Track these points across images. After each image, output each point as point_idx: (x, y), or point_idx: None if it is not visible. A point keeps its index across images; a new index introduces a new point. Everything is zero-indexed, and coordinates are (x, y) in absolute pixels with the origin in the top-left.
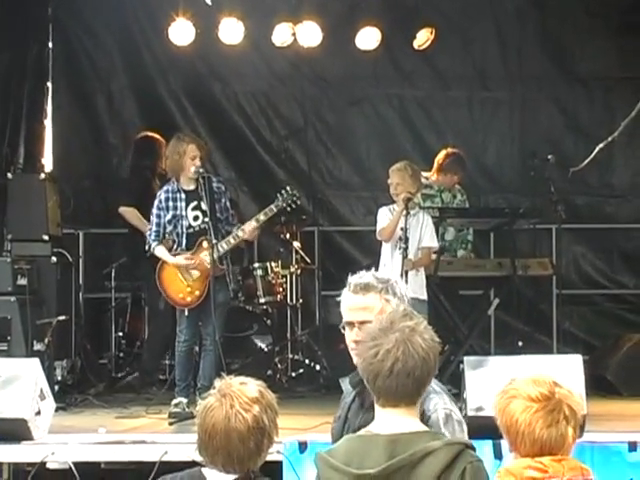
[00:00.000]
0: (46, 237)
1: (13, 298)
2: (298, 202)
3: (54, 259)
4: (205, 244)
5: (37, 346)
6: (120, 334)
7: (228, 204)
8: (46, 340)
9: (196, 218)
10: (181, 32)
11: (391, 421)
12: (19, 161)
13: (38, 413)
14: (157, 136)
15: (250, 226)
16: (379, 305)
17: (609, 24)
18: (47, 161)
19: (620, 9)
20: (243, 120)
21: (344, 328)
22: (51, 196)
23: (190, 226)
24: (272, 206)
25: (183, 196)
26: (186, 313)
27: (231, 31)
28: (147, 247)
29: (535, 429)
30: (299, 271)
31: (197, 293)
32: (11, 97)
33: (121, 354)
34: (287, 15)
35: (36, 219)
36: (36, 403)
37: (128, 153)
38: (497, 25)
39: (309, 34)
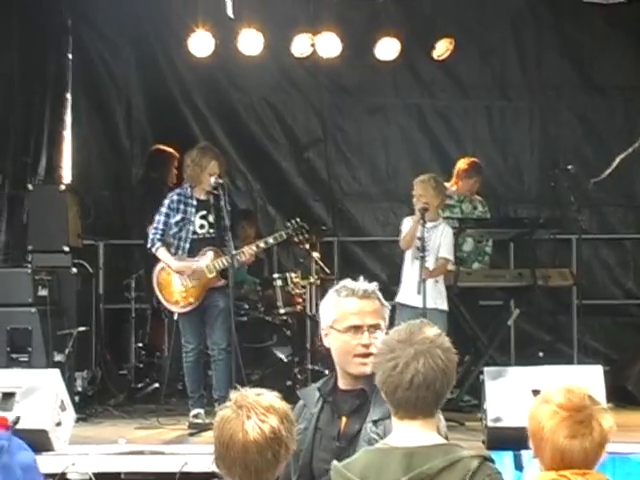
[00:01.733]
0: (66, 248)
1: (34, 309)
2: (307, 235)
3: (74, 270)
4: (210, 254)
5: (57, 357)
6: (140, 345)
7: (228, 223)
8: (66, 351)
9: (202, 227)
10: (200, 43)
11: (408, 434)
12: (40, 172)
13: (59, 424)
14: (168, 149)
15: (252, 249)
16: (381, 309)
17: (628, 33)
18: (66, 172)
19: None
20: (262, 130)
21: (337, 332)
22: (71, 207)
23: (195, 232)
24: (282, 232)
25: (194, 202)
26: (175, 317)
27: (250, 42)
28: (150, 245)
29: (558, 438)
30: (318, 282)
31: (191, 300)
32: (34, 108)
33: (141, 365)
34: (306, 26)
35: (56, 230)
36: (56, 414)
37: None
38: (516, 34)
39: (328, 45)
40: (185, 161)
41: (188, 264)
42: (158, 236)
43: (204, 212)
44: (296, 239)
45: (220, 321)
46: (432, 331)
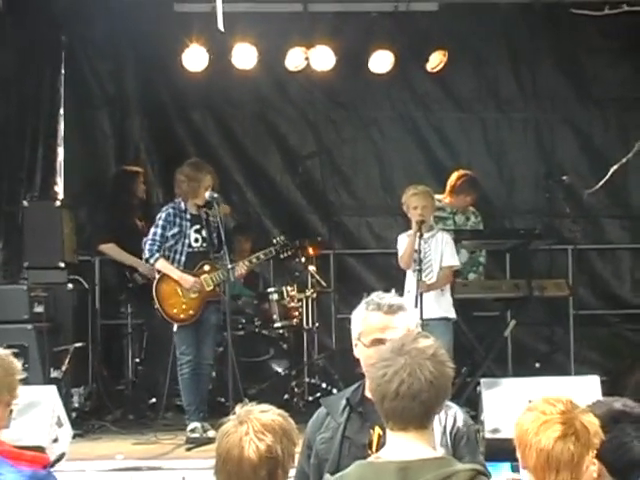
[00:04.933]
0: (62, 264)
1: (30, 326)
2: (290, 252)
3: (70, 286)
4: (207, 267)
5: (54, 373)
6: (137, 360)
7: (222, 238)
8: (63, 367)
9: (197, 240)
10: (195, 58)
11: (401, 447)
12: (35, 188)
13: (55, 440)
14: (133, 168)
15: (242, 268)
16: (409, 324)
17: (622, 44)
18: (60, 188)
19: (634, 29)
20: (256, 144)
21: (362, 345)
22: (67, 223)
23: (190, 246)
24: (272, 249)
25: (188, 216)
26: (175, 329)
27: (244, 56)
28: (148, 256)
29: (542, 439)
30: (315, 295)
31: (191, 312)
32: (28, 124)
33: (137, 380)
34: (300, 40)
35: (52, 246)
36: (53, 430)
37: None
38: (510, 46)
39: (322, 58)
40: (178, 178)
41: (190, 276)
42: (156, 247)
43: (198, 226)
44: (281, 256)
45: (210, 337)
46: (425, 342)
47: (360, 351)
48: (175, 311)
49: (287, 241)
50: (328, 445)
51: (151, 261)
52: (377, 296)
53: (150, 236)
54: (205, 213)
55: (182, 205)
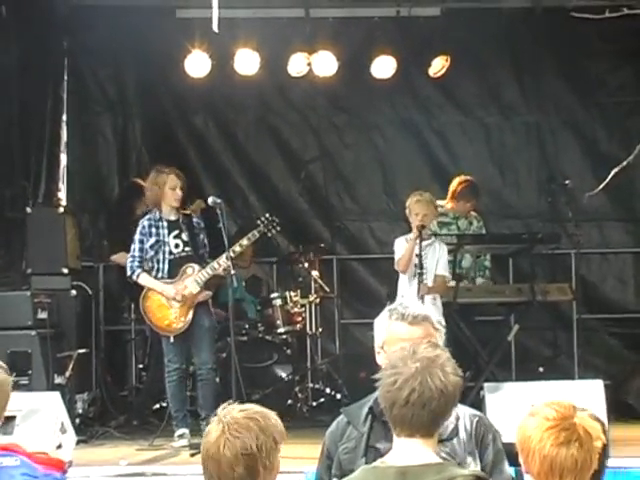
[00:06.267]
0: (65, 270)
1: (33, 332)
2: (278, 228)
3: (74, 292)
4: (190, 271)
5: (58, 379)
6: (140, 366)
7: (205, 241)
8: (67, 373)
9: (177, 246)
10: (197, 64)
11: (405, 452)
12: (38, 195)
13: (59, 447)
14: (139, 181)
15: (234, 251)
16: (432, 334)
17: (624, 47)
18: (63, 194)
19: (635, 33)
20: (259, 149)
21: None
22: (70, 229)
23: (172, 253)
24: (255, 231)
25: (165, 224)
26: (171, 340)
27: (247, 62)
28: (130, 273)
29: (545, 445)
30: (318, 300)
31: (183, 319)
32: (30, 130)
33: (142, 386)
34: (302, 45)
35: (55, 252)
36: (57, 437)
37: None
38: (512, 51)
39: (325, 64)
40: (145, 189)
41: (171, 286)
42: (137, 263)
43: (177, 232)
44: (269, 234)
45: (207, 340)
46: (436, 351)
47: (383, 359)
48: (167, 323)
49: (273, 217)
50: (352, 455)
51: (133, 277)
52: (401, 305)
53: (130, 253)
54: (184, 215)
55: (157, 214)
